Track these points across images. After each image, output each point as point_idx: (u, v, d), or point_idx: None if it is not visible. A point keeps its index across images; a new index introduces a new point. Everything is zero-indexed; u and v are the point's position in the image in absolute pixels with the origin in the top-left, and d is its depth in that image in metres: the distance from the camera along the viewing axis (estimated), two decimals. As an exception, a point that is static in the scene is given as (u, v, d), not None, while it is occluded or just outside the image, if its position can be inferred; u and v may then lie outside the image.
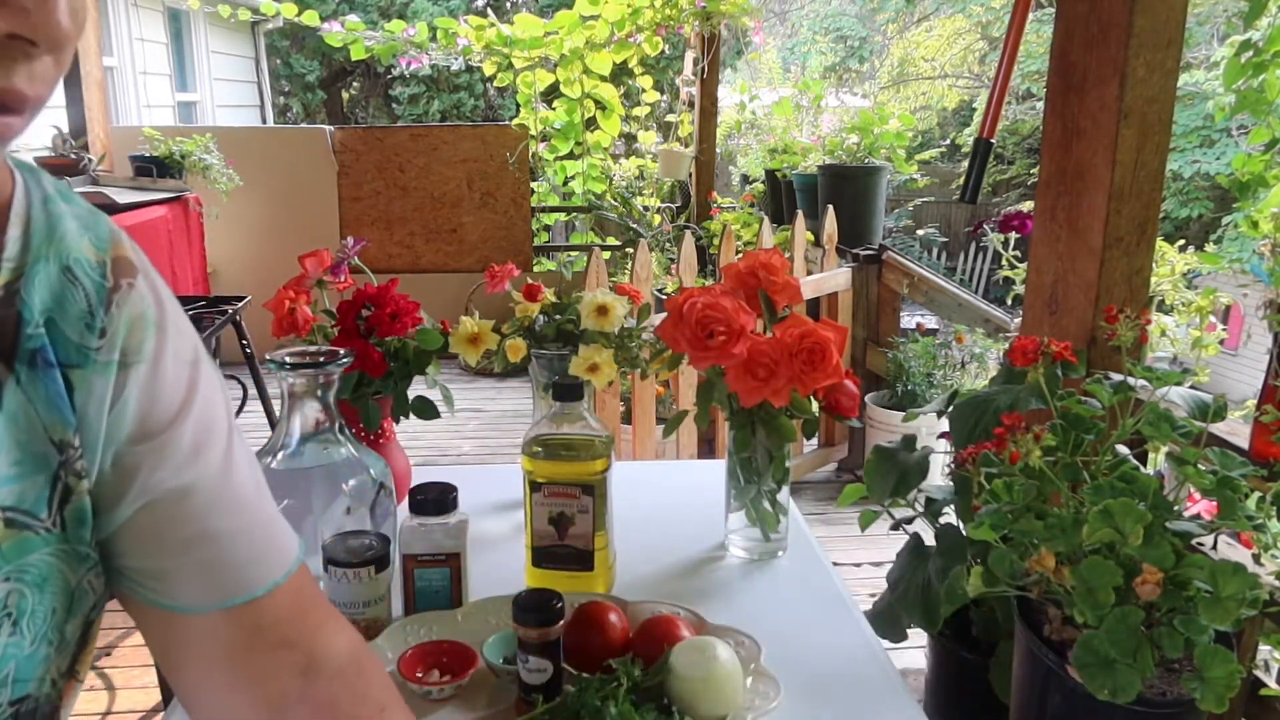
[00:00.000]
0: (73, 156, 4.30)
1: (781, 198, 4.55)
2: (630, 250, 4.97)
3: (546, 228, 6.31)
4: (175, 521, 0.61)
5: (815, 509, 3.47)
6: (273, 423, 2.42)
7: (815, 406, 1.16)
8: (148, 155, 4.59)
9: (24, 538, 0.53)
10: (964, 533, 1.13)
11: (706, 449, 3.36)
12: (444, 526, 1.00)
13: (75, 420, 0.56)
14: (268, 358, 1.01)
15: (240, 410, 2.81)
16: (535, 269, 5.68)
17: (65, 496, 0.55)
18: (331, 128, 5.42)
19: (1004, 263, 2.48)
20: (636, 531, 1.22)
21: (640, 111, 5.93)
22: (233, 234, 5.09)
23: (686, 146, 5.51)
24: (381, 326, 1.23)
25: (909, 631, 1.22)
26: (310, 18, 5.23)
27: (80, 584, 0.58)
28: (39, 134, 4.44)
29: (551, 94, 5.59)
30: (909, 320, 4.33)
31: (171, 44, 7.18)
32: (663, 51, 5.58)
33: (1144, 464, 1.20)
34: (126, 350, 0.58)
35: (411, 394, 1.28)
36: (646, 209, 5.49)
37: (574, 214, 6.04)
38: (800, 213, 3.71)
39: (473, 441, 4.28)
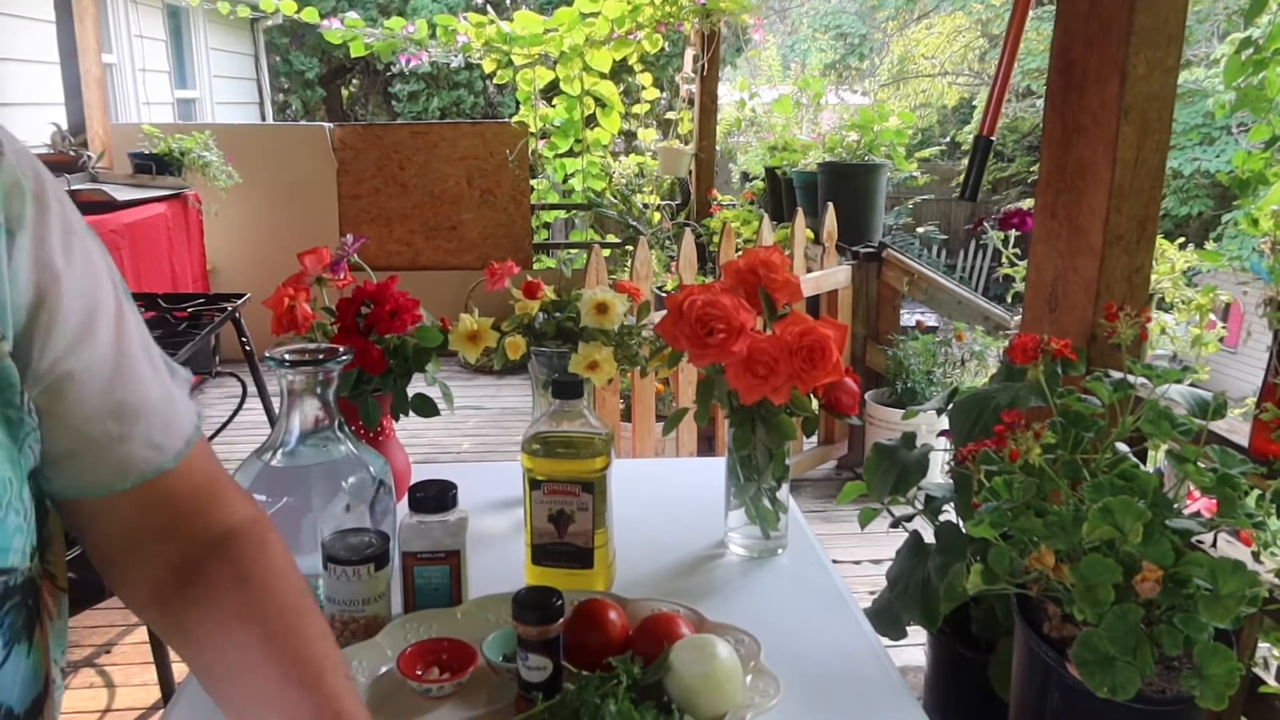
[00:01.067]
0: (72, 153, 4.30)
1: (781, 195, 4.55)
2: (630, 248, 4.97)
3: (546, 225, 6.30)
4: (76, 401, 0.62)
5: (815, 506, 3.48)
6: (272, 420, 2.42)
7: (815, 404, 1.16)
8: (147, 152, 4.59)
9: None
10: (964, 530, 1.13)
11: (706, 446, 3.36)
12: (443, 524, 1.00)
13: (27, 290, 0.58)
14: (267, 355, 1.00)
15: (240, 408, 2.80)
16: (535, 266, 5.68)
17: None
18: (331, 125, 5.42)
19: (1004, 260, 2.48)
20: (636, 529, 1.22)
21: (640, 109, 5.93)
22: (232, 231, 5.09)
23: (686, 144, 5.51)
24: (381, 324, 1.23)
25: (909, 629, 1.22)
26: (310, 14, 5.22)
27: (24, 450, 0.59)
28: (38, 131, 4.44)
29: (551, 91, 5.58)
30: (909, 318, 4.33)
31: (171, 41, 7.17)
32: (662, 49, 5.58)
33: (1144, 462, 1.20)
34: (8, 218, 0.58)
35: (411, 391, 1.28)
36: (646, 206, 5.49)
37: (574, 211, 6.04)
38: (800, 210, 3.71)
39: (472, 439, 4.28)
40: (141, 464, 0.65)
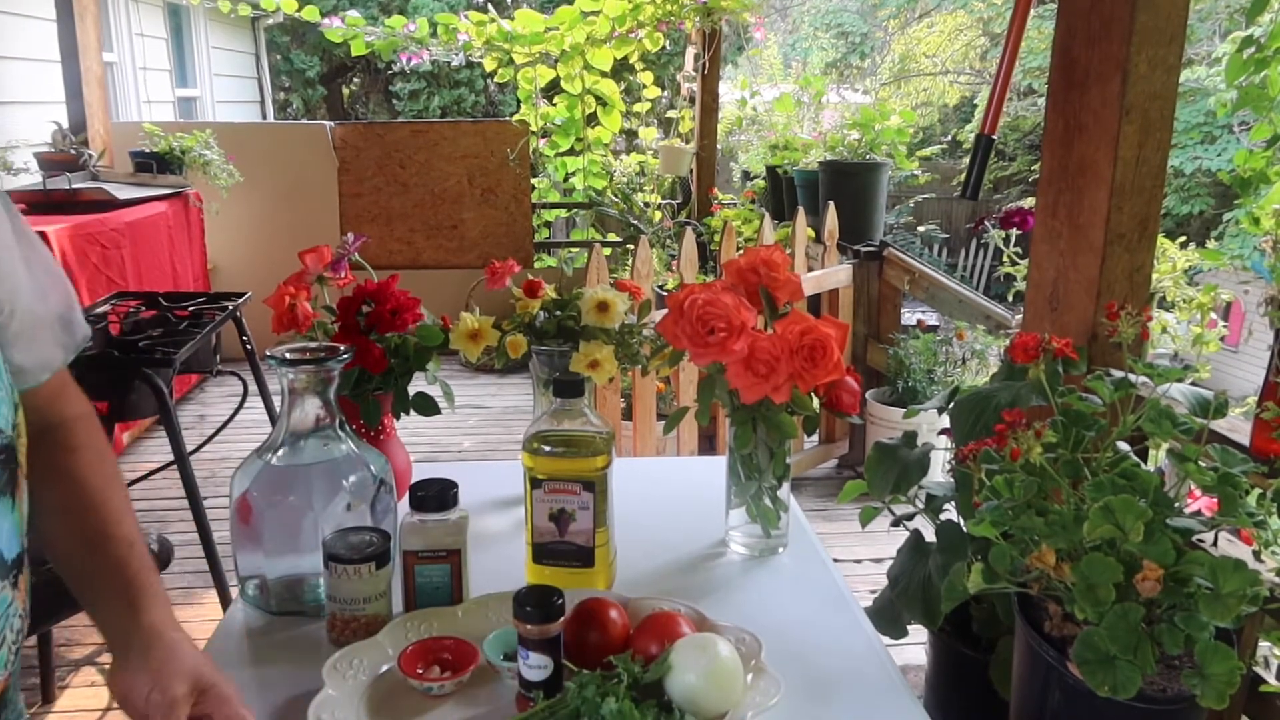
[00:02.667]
0: (73, 152, 4.30)
1: (782, 194, 4.55)
2: (631, 246, 4.96)
3: (547, 224, 6.30)
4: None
5: (816, 505, 3.48)
6: (273, 419, 2.42)
7: (816, 403, 1.16)
8: (148, 151, 4.59)
9: None
10: (964, 529, 1.13)
11: (707, 445, 3.36)
12: (444, 523, 1.00)
13: None
14: (268, 354, 1.00)
15: (241, 406, 2.81)
16: (536, 265, 5.68)
17: None
18: (332, 123, 5.42)
19: (1005, 259, 2.48)
20: (637, 528, 1.22)
21: (641, 107, 5.92)
22: (233, 230, 5.09)
23: (687, 142, 5.51)
24: (382, 323, 1.23)
25: (909, 628, 1.22)
26: (311, 13, 5.22)
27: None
28: (39, 129, 4.44)
29: (552, 90, 5.58)
30: (910, 317, 4.32)
31: (172, 39, 7.17)
32: (664, 47, 5.58)
33: (1145, 461, 1.20)
34: None
35: (412, 390, 1.28)
36: (647, 205, 5.49)
37: (575, 210, 6.03)
38: (801, 209, 3.71)
39: (473, 438, 4.29)
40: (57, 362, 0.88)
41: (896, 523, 1.31)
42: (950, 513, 1.24)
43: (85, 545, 0.85)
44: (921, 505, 1.27)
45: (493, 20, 5.27)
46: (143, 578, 0.84)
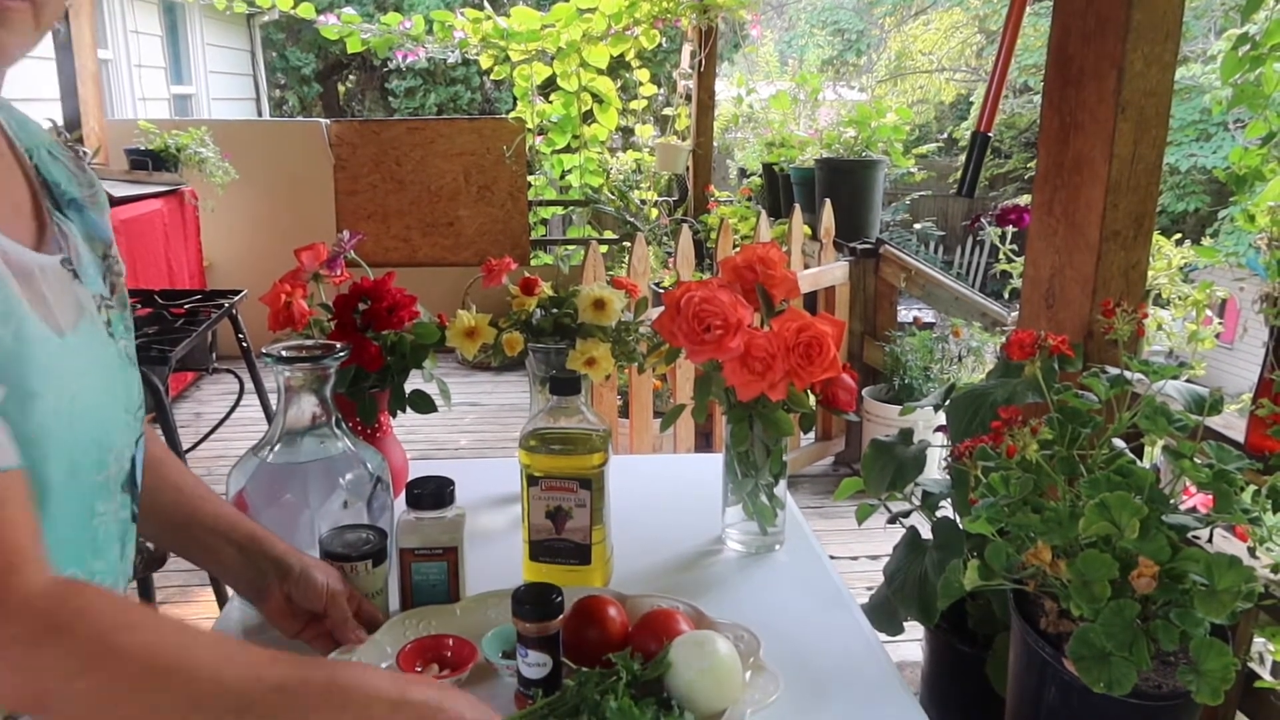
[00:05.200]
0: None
1: (779, 191, 4.55)
2: (627, 244, 4.96)
3: (544, 221, 6.30)
4: None
5: (812, 502, 3.48)
6: (269, 417, 2.42)
7: (812, 400, 1.16)
8: (143, 148, 4.58)
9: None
10: (961, 526, 1.14)
11: (704, 443, 3.36)
12: (441, 521, 1.00)
13: (110, 235, 0.84)
14: (264, 352, 1.00)
15: (237, 404, 2.80)
16: (532, 263, 5.68)
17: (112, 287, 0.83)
18: (328, 121, 5.41)
19: (1001, 256, 2.48)
20: (634, 525, 1.22)
21: (637, 105, 5.92)
22: (229, 227, 5.08)
23: (684, 140, 5.50)
24: (378, 320, 1.23)
25: (906, 625, 1.22)
26: (306, 10, 5.21)
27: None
28: (34, 127, 4.43)
29: (548, 87, 5.57)
30: (906, 314, 4.33)
31: (167, 37, 7.15)
32: (660, 45, 5.57)
33: (1140, 457, 1.21)
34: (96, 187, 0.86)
35: (408, 388, 1.28)
36: (644, 203, 5.48)
37: (571, 208, 6.03)
38: (797, 206, 3.71)
39: (470, 435, 4.28)
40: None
41: (893, 520, 1.31)
42: (946, 510, 1.24)
43: (186, 520, 0.93)
44: (918, 502, 1.27)
45: (489, 17, 5.26)
46: (246, 523, 0.95)
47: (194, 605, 2.69)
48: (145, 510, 0.87)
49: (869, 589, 1.31)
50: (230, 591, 1.01)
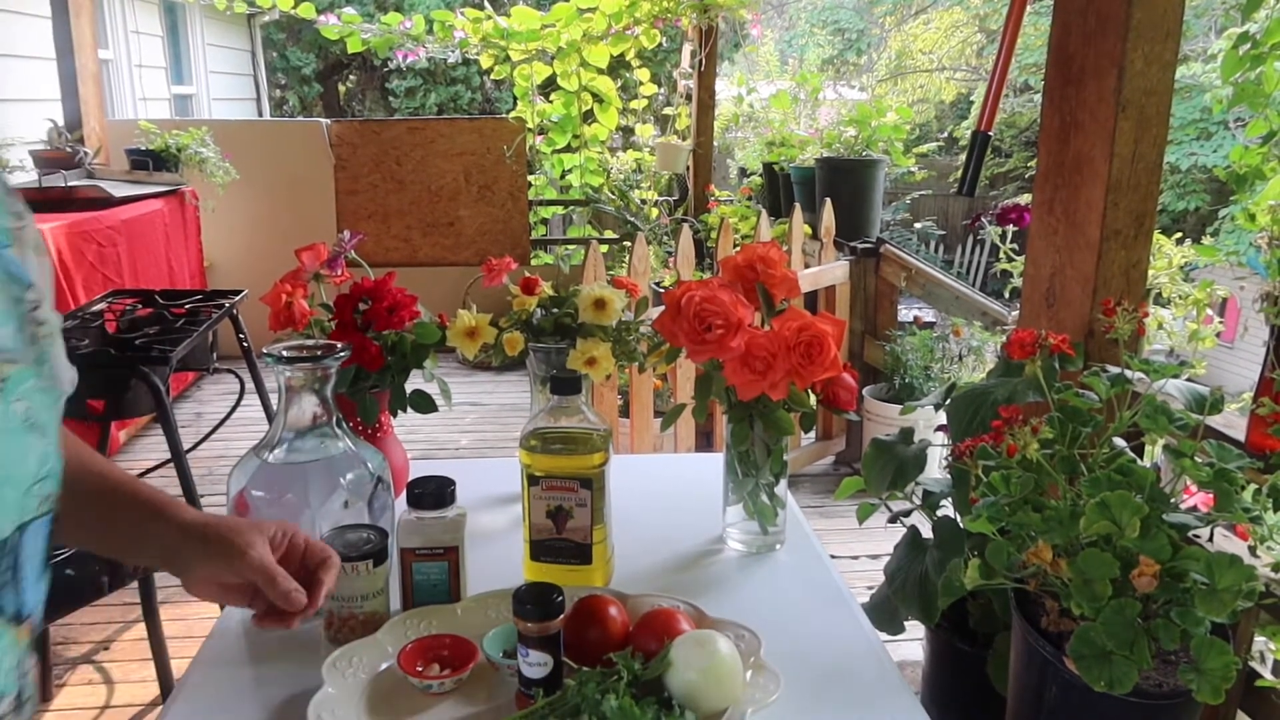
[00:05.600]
0: (68, 150, 4.29)
1: (779, 191, 4.55)
2: (628, 243, 4.96)
3: (544, 221, 6.30)
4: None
5: (813, 502, 3.48)
6: (270, 417, 2.42)
7: (813, 400, 1.16)
8: (144, 148, 4.58)
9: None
10: (961, 525, 1.14)
11: (704, 442, 3.36)
12: (441, 520, 1.00)
13: (34, 279, 0.70)
14: (265, 352, 1.00)
15: (237, 404, 2.81)
16: (533, 262, 5.68)
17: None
18: (328, 121, 5.41)
19: (1001, 256, 2.48)
20: (634, 525, 1.22)
21: (638, 104, 5.92)
22: (229, 228, 5.08)
23: (684, 139, 5.50)
24: (379, 320, 1.23)
25: (906, 624, 1.22)
26: (306, 10, 5.21)
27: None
28: (34, 127, 4.43)
29: (549, 87, 5.57)
30: (906, 313, 4.33)
31: (167, 37, 7.15)
32: (660, 44, 5.57)
33: (1141, 456, 1.21)
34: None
35: (409, 388, 1.28)
36: (644, 202, 5.48)
37: (571, 207, 6.03)
38: (798, 206, 3.71)
39: (470, 435, 4.28)
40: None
41: (893, 519, 1.31)
42: (947, 509, 1.24)
43: (93, 500, 0.85)
44: (918, 501, 1.27)
45: (489, 17, 5.27)
46: (157, 495, 0.87)
47: (194, 605, 2.70)
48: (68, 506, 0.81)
49: (870, 588, 1.31)
50: None
